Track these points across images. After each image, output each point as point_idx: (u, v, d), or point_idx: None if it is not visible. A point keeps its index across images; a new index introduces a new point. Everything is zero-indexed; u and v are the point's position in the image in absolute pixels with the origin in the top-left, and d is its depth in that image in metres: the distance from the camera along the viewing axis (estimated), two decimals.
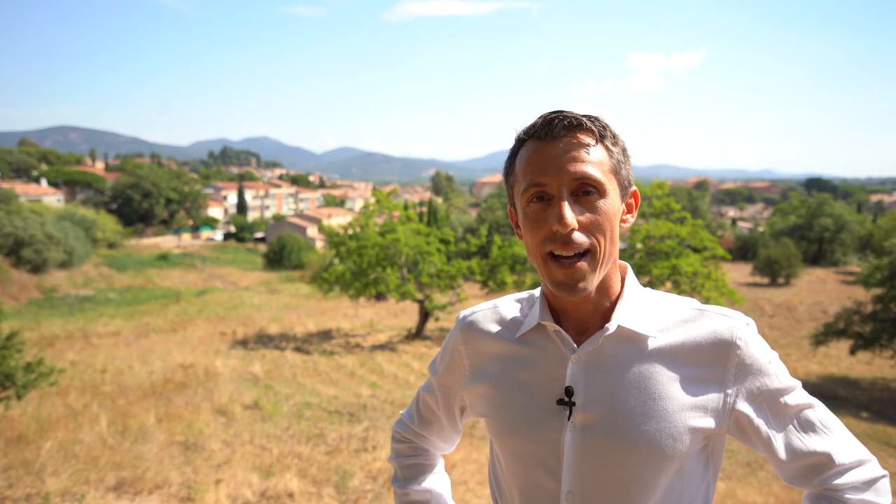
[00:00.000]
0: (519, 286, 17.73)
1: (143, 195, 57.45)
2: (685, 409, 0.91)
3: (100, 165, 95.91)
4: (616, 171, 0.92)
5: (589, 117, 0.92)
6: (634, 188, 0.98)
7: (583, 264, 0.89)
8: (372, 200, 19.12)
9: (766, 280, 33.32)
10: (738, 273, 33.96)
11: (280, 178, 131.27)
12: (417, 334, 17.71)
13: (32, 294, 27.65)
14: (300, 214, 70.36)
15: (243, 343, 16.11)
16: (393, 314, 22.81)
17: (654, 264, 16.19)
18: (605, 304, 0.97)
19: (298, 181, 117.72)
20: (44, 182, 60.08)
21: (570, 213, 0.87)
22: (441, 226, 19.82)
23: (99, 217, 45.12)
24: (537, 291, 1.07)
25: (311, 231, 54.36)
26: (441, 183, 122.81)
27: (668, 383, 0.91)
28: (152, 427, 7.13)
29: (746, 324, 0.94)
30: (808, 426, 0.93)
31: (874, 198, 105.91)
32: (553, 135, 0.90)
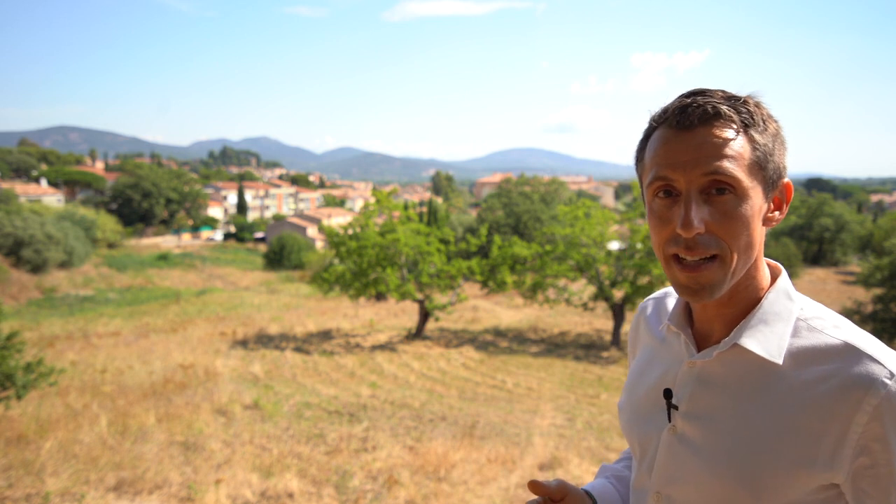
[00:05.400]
0: (519, 286, 17.75)
1: (143, 195, 57.42)
2: (793, 456, 0.77)
3: (100, 165, 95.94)
4: (761, 166, 0.79)
5: (732, 102, 0.79)
6: (786, 180, 0.84)
7: (709, 269, 0.78)
8: (372, 200, 19.12)
9: None
10: None
11: (280, 178, 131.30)
12: (417, 334, 17.71)
13: (32, 294, 27.65)
14: (300, 214, 70.36)
15: (243, 343, 16.12)
16: (393, 314, 22.80)
17: (654, 264, 16.12)
18: (732, 312, 0.86)
19: (298, 181, 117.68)
20: (44, 182, 60.09)
21: (696, 216, 0.76)
22: (441, 226, 19.78)
23: (99, 217, 45.13)
24: None
25: (311, 231, 54.36)
26: (441, 183, 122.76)
27: (781, 420, 0.78)
28: (152, 427, 7.13)
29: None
30: None
31: (874, 198, 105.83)
32: (686, 124, 0.79)
